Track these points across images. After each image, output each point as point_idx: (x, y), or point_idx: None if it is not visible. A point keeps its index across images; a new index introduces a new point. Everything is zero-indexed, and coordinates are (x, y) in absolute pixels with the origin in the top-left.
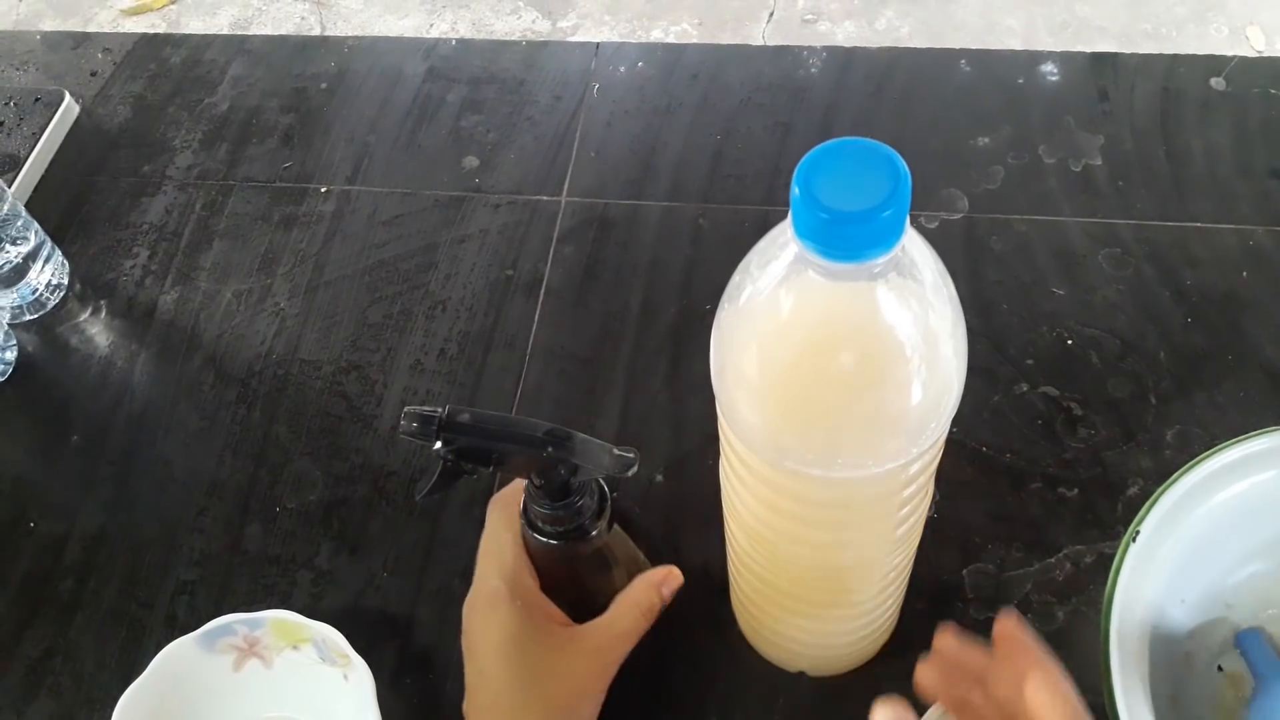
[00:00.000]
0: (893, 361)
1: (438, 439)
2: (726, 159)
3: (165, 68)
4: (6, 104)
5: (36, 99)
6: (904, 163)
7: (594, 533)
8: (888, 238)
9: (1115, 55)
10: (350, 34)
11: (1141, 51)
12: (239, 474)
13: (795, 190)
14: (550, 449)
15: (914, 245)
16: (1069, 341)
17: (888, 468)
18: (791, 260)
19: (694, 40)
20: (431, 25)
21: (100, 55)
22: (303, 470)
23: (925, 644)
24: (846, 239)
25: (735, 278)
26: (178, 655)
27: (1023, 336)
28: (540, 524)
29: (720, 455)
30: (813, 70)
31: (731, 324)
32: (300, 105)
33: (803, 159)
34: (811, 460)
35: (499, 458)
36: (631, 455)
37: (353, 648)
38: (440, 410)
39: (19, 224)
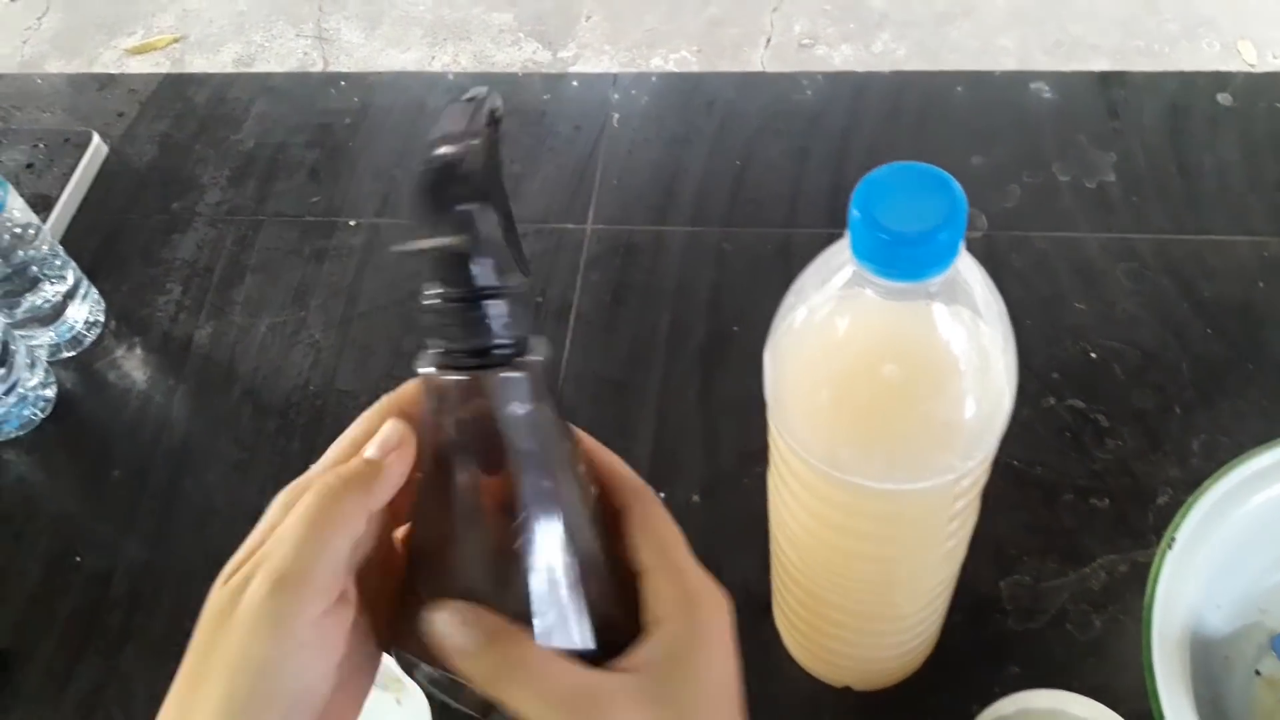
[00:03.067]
0: (948, 377)
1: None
2: (746, 184)
3: (190, 106)
4: (36, 145)
5: (66, 140)
6: (959, 185)
7: (533, 354)
8: (944, 258)
9: (1123, 74)
10: (354, 69)
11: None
12: None
13: (854, 213)
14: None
15: (966, 264)
16: (1092, 355)
17: (940, 481)
18: (848, 280)
19: (694, 66)
20: (433, 58)
21: (126, 96)
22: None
23: (967, 657)
24: (905, 259)
25: (789, 298)
26: None
27: (1047, 351)
28: (445, 338)
29: (769, 471)
30: (826, 97)
31: (788, 343)
32: (325, 141)
33: (860, 182)
34: (868, 473)
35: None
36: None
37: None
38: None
39: (57, 263)
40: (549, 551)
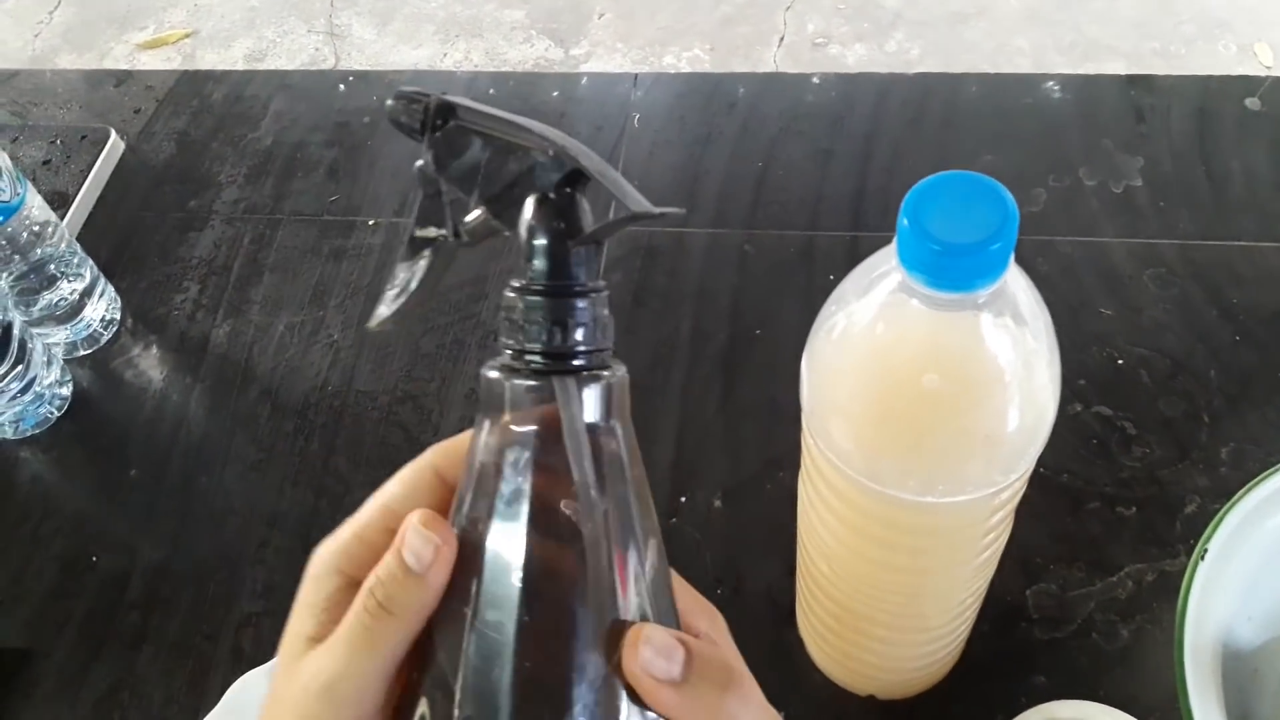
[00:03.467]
0: (994, 389)
1: (427, 124)
2: (769, 186)
3: (207, 104)
4: (54, 142)
5: (83, 136)
6: (1010, 195)
7: (610, 370)
8: (995, 269)
9: (1150, 77)
10: (366, 65)
11: (1153, 70)
12: (299, 506)
13: (904, 222)
14: (568, 161)
15: (1014, 275)
16: (1119, 361)
17: (980, 495)
18: (894, 289)
19: (707, 65)
20: (445, 55)
21: (143, 92)
22: (362, 501)
23: (992, 666)
24: (955, 270)
25: (829, 306)
26: (250, 687)
27: (1073, 357)
28: (521, 337)
29: (800, 479)
30: (849, 98)
31: (827, 352)
32: (344, 139)
33: (910, 191)
34: (907, 486)
35: (493, 172)
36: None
37: None
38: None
39: (74, 260)
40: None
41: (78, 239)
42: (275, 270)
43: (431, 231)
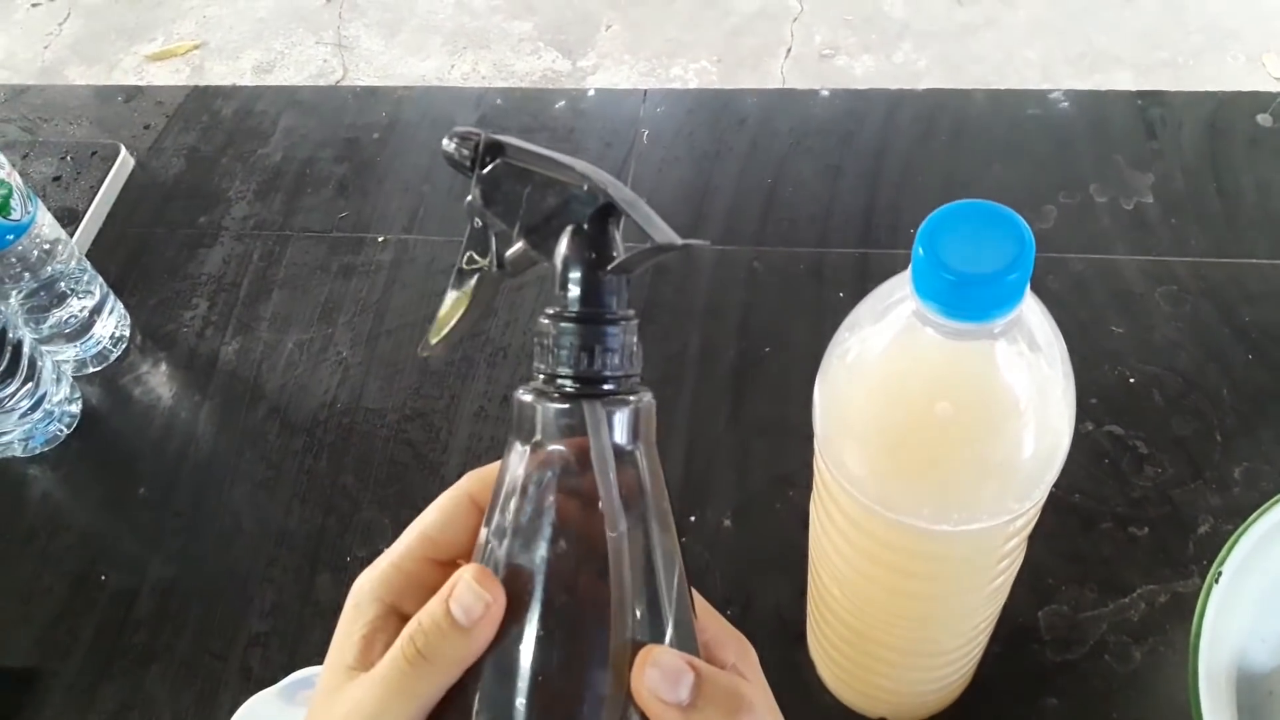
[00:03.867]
0: (1009, 418)
1: (477, 161)
2: (778, 202)
3: (217, 120)
4: (64, 158)
5: (93, 153)
6: (1027, 225)
7: (638, 396)
8: (1011, 299)
9: (1161, 93)
10: (374, 76)
11: (1161, 82)
12: (308, 524)
13: (919, 251)
14: (600, 195)
15: (1028, 302)
16: (1131, 380)
17: (995, 523)
18: (908, 317)
19: (714, 77)
20: (453, 66)
21: (153, 108)
22: (371, 519)
23: (1004, 688)
24: (971, 300)
25: (842, 333)
26: (260, 708)
27: (1085, 375)
28: (553, 361)
29: (812, 503)
30: (859, 114)
31: (841, 379)
32: (353, 155)
33: (925, 220)
34: (921, 515)
35: (533, 206)
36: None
37: None
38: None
39: (84, 278)
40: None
41: (87, 255)
42: (284, 287)
43: (477, 262)
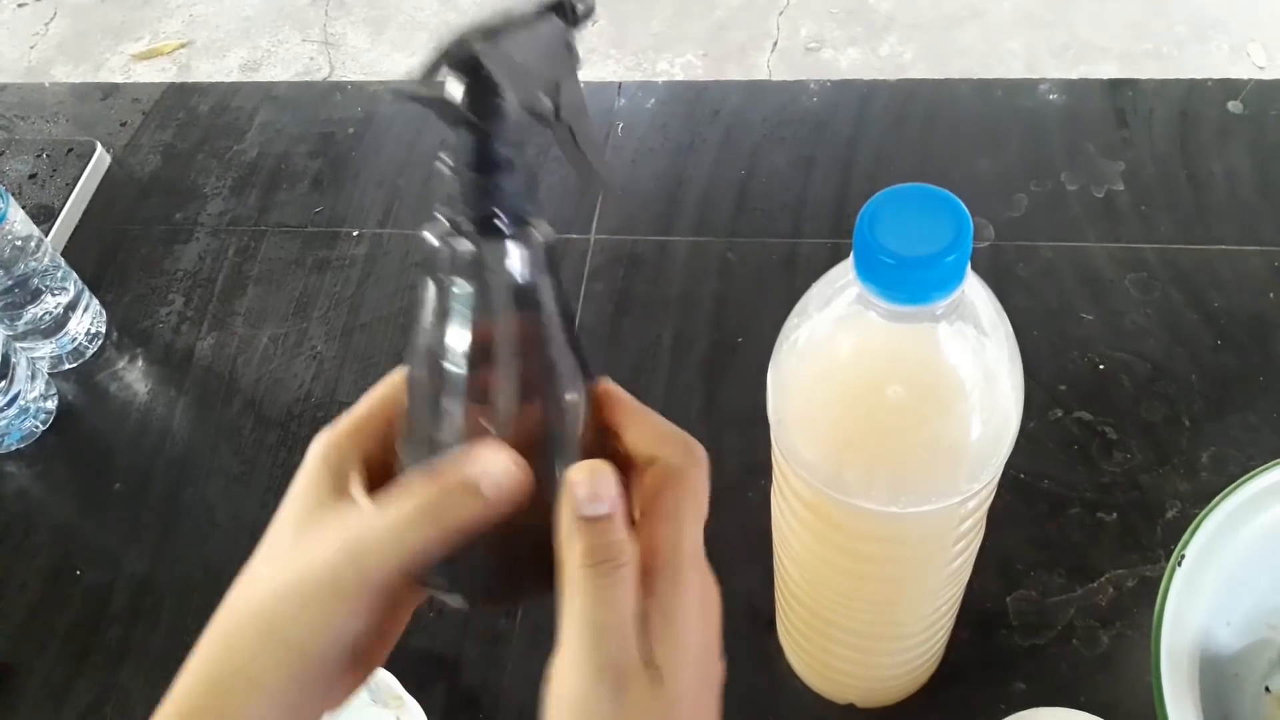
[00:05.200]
0: (954, 400)
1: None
2: (751, 193)
3: (193, 116)
4: (40, 156)
5: (69, 150)
6: (965, 208)
7: (534, 229)
8: (951, 281)
9: (1133, 81)
10: (360, 73)
11: (1145, 72)
12: None
13: (859, 235)
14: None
15: (972, 286)
16: (1100, 366)
17: (946, 504)
18: (852, 302)
19: (700, 71)
20: None
21: (129, 105)
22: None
23: (972, 673)
24: (911, 283)
25: (792, 319)
26: None
27: (1054, 362)
28: (450, 203)
29: (773, 490)
30: (832, 104)
31: (790, 365)
32: (328, 150)
33: (865, 205)
34: (872, 497)
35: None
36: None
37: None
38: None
39: (59, 275)
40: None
41: (63, 252)
42: (259, 282)
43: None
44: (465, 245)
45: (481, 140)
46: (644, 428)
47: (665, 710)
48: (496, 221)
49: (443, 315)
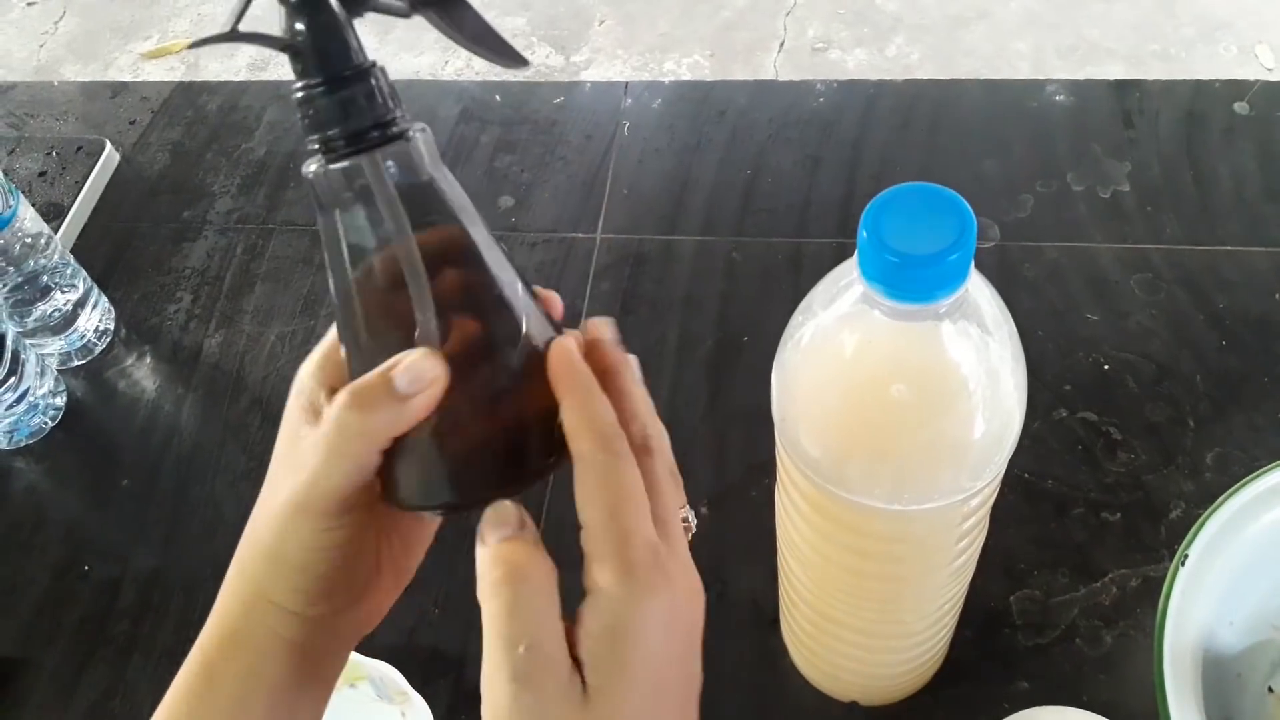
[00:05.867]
0: (958, 398)
1: None
2: (757, 193)
3: (202, 115)
4: (49, 154)
5: (79, 148)
6: (969, 207)
7: (403, 128)
8: (954, 280)
9: (1139, 82)
10: None
11: (1152, 73)
12: None
13: (863, 234)
14: None
15: (976, 285)
16: (1105, 367)
17: (949, 502)
18: (856, 300)
19: (707, 71)
20: (446, 63)
21: (138, 103)
22: None
23: (975, 672)
24: (914, 281)
25: (797, 317)
26: None
27: (1059, 363)
28: (318, 130)
29: (777, 488)
30: (838, 105)
31: (795, 363)
32: None
33: (869, 203)
34: (876, 494)
35: None
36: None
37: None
38: None
39: (68, 272)
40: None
41: (72, 250)
42: (267, 280)
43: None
44: (337, 167)
45: (314, 54)
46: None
47: None
48: (374, 131)
49: (338, 245)
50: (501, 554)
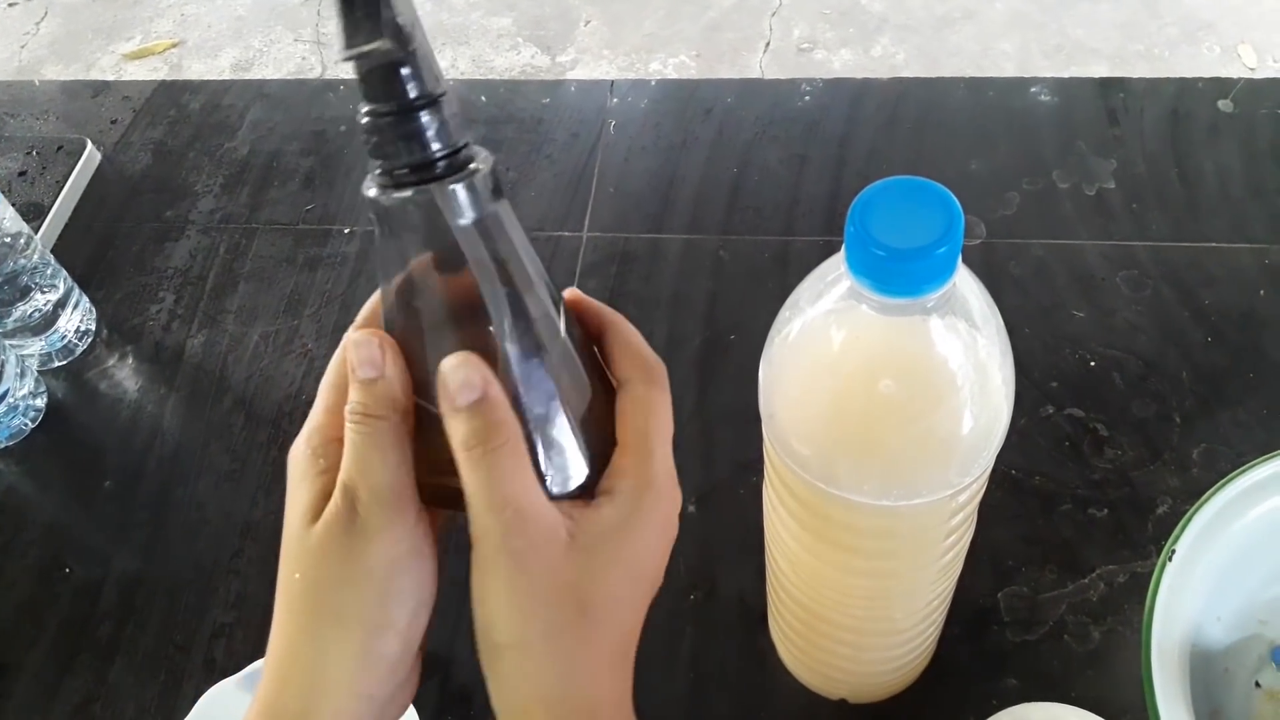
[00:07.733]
0: (945, 393)
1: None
2: (744, 191)
3: (184, 113)
4: (30, 153)
5: (59, 147)
6: (956, 200)
7: (477, 162)
8: (942, 274)
9: (1123, 80)
10: (352, 74)
11: (1136, 73)
12: (272, 515)
13: (850, 228)
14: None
15: (964, 279)
16: (1091, 363)
17: (937, 498)
18: (843, 294)
19: (693, 71)
20: None
21: (120, 103)
22: None
23: (964, 669)
24: (902, 275)
25: (784, 313)
26: (220, 698)
27: (1046, 359)
28: (387, 157)
29: (765, 485)
30: (824, 103)
31: (782, 358)
32: (320, 148)
33: (856, 197)
34: (864, 490)
35: None
36: None
37: None
38: None
39: (48, 272)
40: (527, 366)
41: (53, 250)
42: (250, 280)
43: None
44: (401, 195)
45: (405, 74)
46: (611, 347)
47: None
48: (431, 163)
49: (394, 266)
50: (475, 422)
